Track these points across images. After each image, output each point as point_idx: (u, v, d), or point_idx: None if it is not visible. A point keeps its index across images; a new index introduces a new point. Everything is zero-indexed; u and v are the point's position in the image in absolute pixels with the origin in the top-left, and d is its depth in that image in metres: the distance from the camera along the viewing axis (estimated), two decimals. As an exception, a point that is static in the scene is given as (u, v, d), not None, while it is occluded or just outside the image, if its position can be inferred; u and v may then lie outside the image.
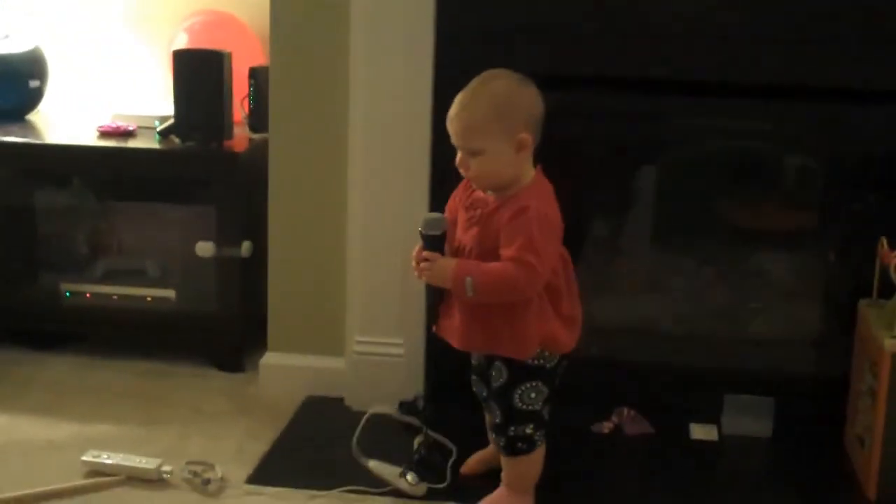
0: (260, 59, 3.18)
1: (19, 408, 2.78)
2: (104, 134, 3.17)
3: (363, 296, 2.82)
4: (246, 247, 3.00)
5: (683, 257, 2.89)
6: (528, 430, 2.26)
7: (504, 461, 2.32)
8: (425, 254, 2.18)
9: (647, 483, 2.46)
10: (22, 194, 3.20)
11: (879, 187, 2.73)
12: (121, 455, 2.44)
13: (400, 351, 2.82)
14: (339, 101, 2.76)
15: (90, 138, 3.15)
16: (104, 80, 3.54)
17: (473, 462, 2.47)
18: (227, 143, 3.02)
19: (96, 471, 2.42)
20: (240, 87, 3.10)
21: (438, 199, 2.73)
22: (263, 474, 2.47)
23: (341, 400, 2.86)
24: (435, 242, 2.19)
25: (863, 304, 2.61)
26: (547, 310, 2.19)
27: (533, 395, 2.24)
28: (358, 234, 2.79)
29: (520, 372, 2.23)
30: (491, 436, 2.34)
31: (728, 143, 2.85)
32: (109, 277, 3.18)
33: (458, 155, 2.17)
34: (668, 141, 2.87)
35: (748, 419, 2.73)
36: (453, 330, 2.24)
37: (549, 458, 2.33)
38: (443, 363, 2.77)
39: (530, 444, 2.27)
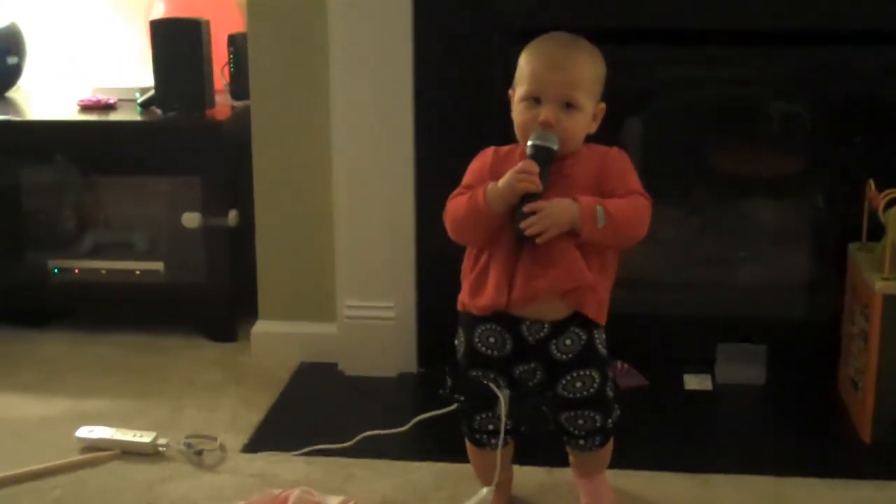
0: (238, 25, 3.16)
1: (11, 386, 2.77)
2: (85, 108, 3.14)
3: (352, 260, 2.81)
4: (232, 216, 2.98)
5: (672, 207, 2.88)
6: (618, 411, 2.10)
7: (595, 455, 2.12)
8: (537, 204, 1.93)
9: (644, 436, 2.46)
10: (5, 173, 3.16)
11: (865, 130, 2.72)
12: (115, 429, 2.43)
13: (391, 314, 2.81)
14: (319, 64, 2.74)
15: (71, 113, 3.13)
16: (83, 53, 3.51)
17: None
18: (209, 112, 3.00)
19: (91, 446, 2.41)
20: (219, 55, 3.09)
21: (423, 157, 2.73)
22: (259, 442, 2.46)
23: (335, 365, 2.86)
24: (549, 157, 1.95)
25: (853, 247, 2.60)
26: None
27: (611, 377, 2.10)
28: (344, 197, 2.78)
29: (605, 361, 2.05)
30: (578, 443, 2.09)
31: (713, 91, 2.83)
32: (97, 252, 3.16)
33: (544, 109, 1.94)
34: (653, 91, 2.85)
35: (741, 367, 2.73)
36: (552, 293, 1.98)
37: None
38: (434, 325, 2.77)
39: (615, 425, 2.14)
